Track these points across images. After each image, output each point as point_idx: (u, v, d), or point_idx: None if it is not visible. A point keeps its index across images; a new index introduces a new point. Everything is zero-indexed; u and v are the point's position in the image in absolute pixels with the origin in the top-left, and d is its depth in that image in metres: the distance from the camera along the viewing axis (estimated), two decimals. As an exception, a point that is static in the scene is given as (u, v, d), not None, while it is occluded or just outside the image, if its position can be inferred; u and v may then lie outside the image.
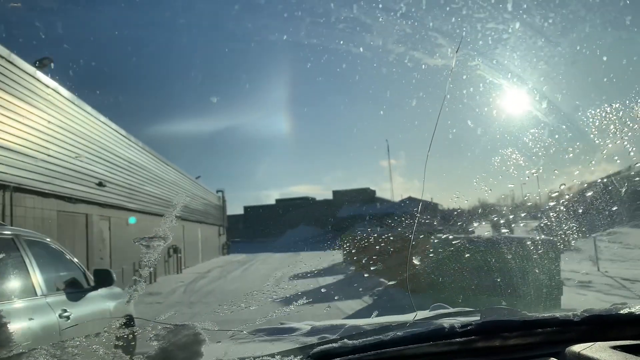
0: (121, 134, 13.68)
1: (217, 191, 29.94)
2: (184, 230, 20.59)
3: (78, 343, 1.34)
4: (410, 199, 39.37)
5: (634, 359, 1.07)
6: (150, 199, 16.19)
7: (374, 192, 51.53)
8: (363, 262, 11.80)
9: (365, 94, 54.55)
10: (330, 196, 51.06)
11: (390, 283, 9.46)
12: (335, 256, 23.01)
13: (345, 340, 1.36)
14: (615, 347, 1.16)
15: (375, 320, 2.24)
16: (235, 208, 49.08)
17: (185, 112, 65.83)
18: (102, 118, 12.43)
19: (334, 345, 1.34)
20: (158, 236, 1.79)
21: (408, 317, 1.97)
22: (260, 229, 47.11)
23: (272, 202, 54.45)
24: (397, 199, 44.56)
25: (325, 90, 60.94)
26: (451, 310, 2.22)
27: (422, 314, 2.03)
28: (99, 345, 1.39)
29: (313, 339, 1.98)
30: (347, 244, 15.10)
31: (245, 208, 48.28)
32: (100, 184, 11.40)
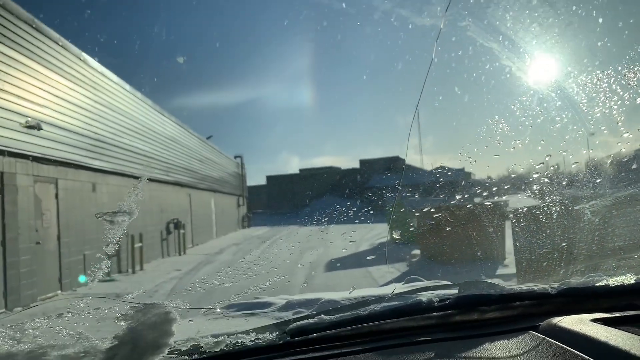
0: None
1: (236, 157, 24.94)
2: (191, 200, 15.18)
3: (39, 324, 1.17)
4: (442, 167, 31.93)
5: (613, 331, 1.07)
6: (131, 157, 10.51)
7: (403, 160, 45.09)
8: (430, 243, 9.49)
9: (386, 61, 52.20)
10: (356, 166, 47.44)
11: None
12: (374, 231, 17.24)
13: (322, 315, 1.29)
14: (594, 320, 1.15)
15: (351, 294, 2.08)
16: (257, 179, 45.44)
17: (205, 83, 66.30)
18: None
19: (310, 321, 1.27)
20: (123, 210, 1.40)
21: (386, 290, 1.84)
22: (283, 199, 44.66)
23: (296, 171, 50.81)
24: (426, 167, 38.70)
25: (347, 59, 60.47)
26: (428, 283, 2.12)
27: (400, 288, 1.87)
28: (62, 327, 1.21)
29: (288, 314, 1.91)
30: (399, 219, 12.98)
31: (268, 178, 46.05)
32: (32, 127, 6.15)
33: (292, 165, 77.58)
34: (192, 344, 1.19)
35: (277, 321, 1.44)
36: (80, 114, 9.43)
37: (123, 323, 1.11)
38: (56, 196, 8.52)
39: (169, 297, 9.30)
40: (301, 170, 49.00)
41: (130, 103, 12.44)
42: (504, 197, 8.49)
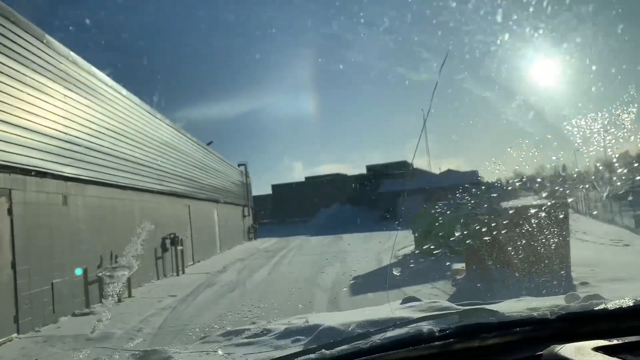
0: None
1: (239, 165, 22.71)
2: (191, 211, 12.89)
3: None
4: (449, 171, 36.67)
5: None
6: (115, 163, 11.09)
7: (411, 165, 44.15)
8: (479, 255, 7.80)
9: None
10: (362, 172, 46.90)
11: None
12: (392, 240, 14.53)
13: (324, 350, 1.30)
14: (596, 349, 1.18)
15: (352, 319, 2.03)
16: (263, 188, 48.10)
17: (207, 93, 64.34)
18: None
19: (312, 356, 1.28)
20: (122, 265, 0.71)
21: (383, 311, 1.98)
22: (290, 208, 43.59)
23: (302, 179, 50.81)
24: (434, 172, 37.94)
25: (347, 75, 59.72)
26: (425, 304, 2.12)
27: (398, 310, 2.00)
28: None
29: (287, 342, 1.91)
30: (429, 227, 11.55)
31: (273, 187, 43.76)
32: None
33: (297, 174, 76.55)
34: None
35: (277, 354, 1.46)
36: (44, 110, 7.47)
37: None
38: (9, 212, 6.52)
39: (156, 337, 6.85)
40: (307, 178, 49.04)
41: (115, 101, 10.50)
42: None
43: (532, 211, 7.43)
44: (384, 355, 1.25)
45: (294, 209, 41.97)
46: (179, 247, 13.18)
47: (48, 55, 8.27)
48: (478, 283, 7.69)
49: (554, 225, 7.39)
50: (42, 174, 7.74)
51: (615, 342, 1.20)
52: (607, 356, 1.10)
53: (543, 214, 7.19)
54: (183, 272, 13.17)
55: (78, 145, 8.96)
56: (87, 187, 9.31)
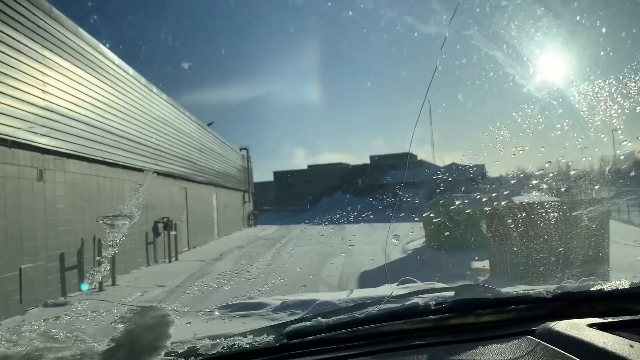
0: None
1: (241, 149, 21.62)
2: (188, 195, 11.78)
3: (36, 327, 1.18)
4: (454, 164, 32.62)
5: (609, 336, 1.11)
6: (103, 137, 9.98)
7: (415, 156, 43.50)
8: (506, 252, 6.99)
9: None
10: (366, 162, 46.41)
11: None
12: (397, 232, 11.86)
13: (319, 318, 1.30)
14: (590, 325, 1.19)
15: (345, 295, 2.08)
16: (264, 175, 43.23)
17: (212, 79, 65.81)
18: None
19: (307, 323, 1.29)
20: (123, 214, 1.32)
21: (382, 292, 1.87)
22: (292, 196, 42.52)
23: (304, 167, 52.09)
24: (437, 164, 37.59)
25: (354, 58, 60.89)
26: (423, 285, 2.12)
27: (396, 290, 1.94)
28: (59, 329, 1.20)
29: (284, 315, 1.93)
30: (443, 219, 10.36)
31: (275, 173, 43.67)
32: None
33: (299, 162, 75.69)
34: (189, 346, 1.20)
35: (274, 323, 1.47)
36: (15, 70, 6.45)
37: (120, 325, 1.12)
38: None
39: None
40: (309, 166, 48.23)
41: (106, 69, 9.46)
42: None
43: (570, 209, 6.63)
44: (379, 325, 1.27)
45: (296, 196, 41.98)
46: (172, 232, 12.23)
47: (23, 7, 7.21)
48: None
49: (593, 224, 6.77)
50: (12, 144, 6.74)
51: (609, 320, 1.22)
52: (601, 331, 1.12)
53: (582, 212, 6.54)
54: (176, 259, 12.30)
55: (58, 114, 7.97)
56: (68, 161, 8.34)
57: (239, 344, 1.18)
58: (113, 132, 10.36)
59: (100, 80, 9.97)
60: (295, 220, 27.58)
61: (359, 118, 74.27)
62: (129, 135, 11.20)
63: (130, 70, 11.82)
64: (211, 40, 56.75)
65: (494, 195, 9.81)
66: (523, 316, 1.32)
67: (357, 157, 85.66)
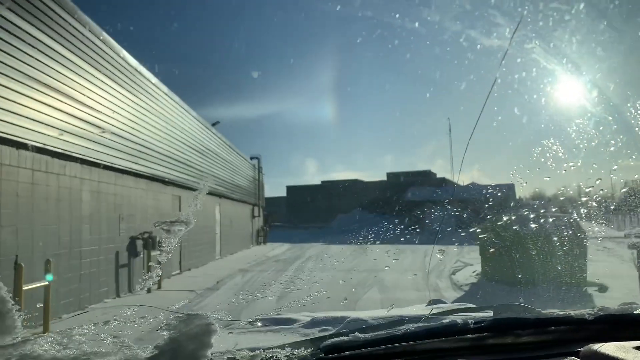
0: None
1: (252, 158, 18.72)
2: (181, 204, 8.34)
3: (86, 331, 1.21)
4: (472, 183, 31.10)
5: None
6: (71, 126, 7.43)
7: (435, 174, 41.39)
8: None
9: (416, 74, 54.31)
10: (382, 179, 44.37)
11: None
12: (427, 255, 13.48)
13: (357, 333, 1.28)
14: (638, 348, 1.12)
15: (377, 313, 2.00)
16: (276, 190, 48.94)
17: (228, 95, 64.86)
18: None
19: (345, 338, 1.26)
20: (180, 220, 1.34)
21: (419, 311, 1.85)
22: (305, 212, 39.98)
23: (318, 182, 49.45)
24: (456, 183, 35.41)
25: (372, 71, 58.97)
26: (456, 305, 2.05)
27: (436, 309, 1.86)
28: (107, 334, 1.23)
29: (314, 331, 1.87)
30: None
31: (288, 188, 41.03)
32: None
33: (310, 178, 73.96)
34: (228, 356, 1.22)
35: (311, 337, 1.48)
36: None
37: (165, 333, 1.14)
38: None
39: None
40: (323, 182, 46.53)
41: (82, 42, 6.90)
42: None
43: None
44: (417, 343, 1.24)
45: (310, 213, 41.18)
46: (154, 253, 9.41)
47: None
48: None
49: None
50: None
51: None
52: None
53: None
54: (158, 287, 9.45)
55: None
56: (18, 152, 5.63)
57: (276, 356, 1.17)
58: (85, 119, 7.71)
59: (79, 59, 7.42)
60: (309, 238, 25.14)
61: (372, 135, 72.98)
62: (100, 123, 8.43)
63: (115, 45, 9.26)
64: (228, 55, 55.93)
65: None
66: (564, 337, 1.29)
67: (370, 174, 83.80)
